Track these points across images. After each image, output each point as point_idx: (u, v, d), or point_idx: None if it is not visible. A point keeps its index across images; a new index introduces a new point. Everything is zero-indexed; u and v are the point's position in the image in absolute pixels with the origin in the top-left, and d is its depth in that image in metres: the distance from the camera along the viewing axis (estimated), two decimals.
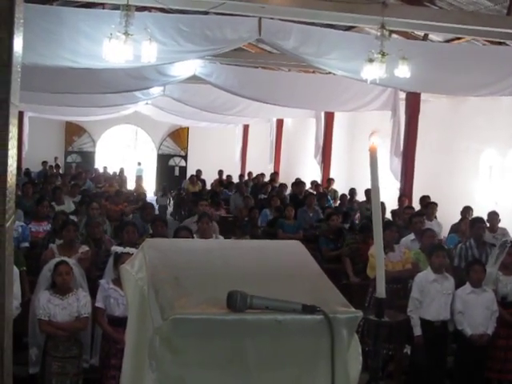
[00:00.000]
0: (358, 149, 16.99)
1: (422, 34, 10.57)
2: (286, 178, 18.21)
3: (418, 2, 9.78)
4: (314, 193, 13.92)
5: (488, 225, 8.23)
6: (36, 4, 7.63)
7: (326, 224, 9.23)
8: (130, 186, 18.50)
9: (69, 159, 24.06)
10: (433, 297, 6.05)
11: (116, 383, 5.00)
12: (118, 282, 5.05)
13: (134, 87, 11.53)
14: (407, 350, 6.40)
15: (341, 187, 15.71)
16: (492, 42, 10.03)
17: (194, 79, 11.49)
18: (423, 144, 12.44)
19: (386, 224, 7.12)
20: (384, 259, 2.28)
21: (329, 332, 1.78)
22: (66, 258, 5.58)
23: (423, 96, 12.09)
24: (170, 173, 25.03)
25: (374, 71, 7.94)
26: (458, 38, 10.52)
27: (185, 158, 25.55)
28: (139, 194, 14.83)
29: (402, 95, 12.27)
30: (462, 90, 9.96)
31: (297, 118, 19.14)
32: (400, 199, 11.30)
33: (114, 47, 7.08)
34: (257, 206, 11.82)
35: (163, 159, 25.51)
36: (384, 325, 2.21)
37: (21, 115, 16.90)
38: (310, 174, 18.21)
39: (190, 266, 2.02)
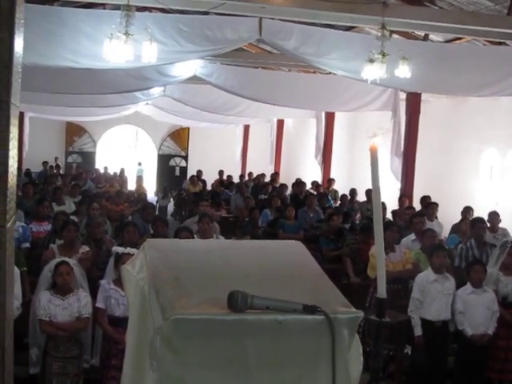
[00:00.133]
0: (358, 149, 16.98)
1: (422, 34, 10.57)
2: (287, 179, 18.20)
3: (418, 2, 9.78)
4: (315, 193, 13.92)
5: (488, 225, 8.23)
6: (36, 4, 7.64)
7: (327, 224, 9.23)
8: (131, 186, 18.49)
9: (69, 159, 24.07)
10: (433, 297, 6.05)
11: (116, 383, 5.01)
12: (118, 282, 5.06)
13: (134, 87, 11.53)
14: (408, 350, 6.40)
15: (341, 187, 15.70)
16: (492, 42, 10.03)
17: (195, 79, 11.49)
18: (424, 144, 12.43)
19: (387, 224, 7.11)
20: (385, 259, 2.28)
21: (329, 332, 1.78)
22: (66, 259, 5.59)
23: (423, 96, 12.09)
24: (170, 173, 25.03)
25: (374, 71, 7.94)
26: (459, 38, 10.51)
27: (185, 158, 25.55)
28: (140, 194, 14.83)
29: (403, 95, 12.27)
30: (462, 90, 9.96)
31: (297, 118, 19.13)
32: (400, 199, 11.29)
33: (114, 47, 7.08)
34: (257, 207, 11.82)
35: (164, 159, 25.51)
36: (385, 325, 2.21)
37: (21, 115, 16.90)
38: (311, 174, 18.21)
39: (191, 267, 2.02)
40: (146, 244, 2.18)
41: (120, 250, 5.53)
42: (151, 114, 19.89)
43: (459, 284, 6.27)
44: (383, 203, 8.05)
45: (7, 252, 2.30)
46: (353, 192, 13.66)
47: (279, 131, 21.29)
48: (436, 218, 9.69)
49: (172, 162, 25.59)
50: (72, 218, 7.85)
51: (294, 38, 8.32)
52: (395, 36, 10.08)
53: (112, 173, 20.31)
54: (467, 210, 9.68)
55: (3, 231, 2.23)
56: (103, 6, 10.34)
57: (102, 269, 6.23)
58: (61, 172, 19.39)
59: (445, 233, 9.79)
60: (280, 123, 21.21)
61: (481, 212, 8.93)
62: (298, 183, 14.30)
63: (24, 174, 16.78)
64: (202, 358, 1.74)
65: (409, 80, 8.29)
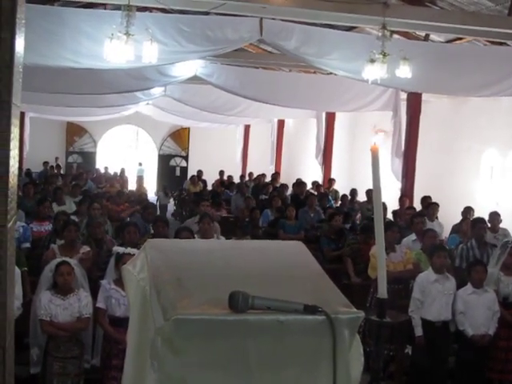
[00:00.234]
0: (359, 149, 16.99)
1: (423, 34, 10.57)
2: (287, 179, 18.21)
3: (419, 3, 9.78)
4: (315, 193, 13.92)
5: (489, 225, 8.23)
6: (37, 4, 7.64)
7: (328, 224, 9.22)
8: (131, 186, 18.49)
9: (70, 159, 24.08)
10: (434, 297, 6.05)
11: (117, 383, 5.01)
12: (119, 282, 5.06)
13: (134, 87, 11.53)
14: (408, 350, 6.40)
15: (342, 187, 15.71)
16: (493, 43, 10.03)
17: (195, 79, 11.50)
18: (424, 144, 12.43)
19: (388, 224, 7.11)
20: (385, 259, 2.28)
21: (330, 332, 1.78)
22: (67, 259, 5.59)
23: (424, 96, 12.09)
24: (170, 173, 25.04)
25: (375, 71, 7.93)
26: (460, 39, 10.51)
27: (186, 158, 25.56)
28: (140, 194, 14.83)
29: (403, 95, 12.27)
30: (463, 90, 9.96)
31: (298, 118, 19.13)
32: (401, 199, 11.29)
33: (115, 47, 7.08)
34: (258, 207, 11.82)
35: (164, 159, 25.51)
36: (385, 325, 2.21)
37: (22, 116, 16.90)
38: (311, 174, 18.21)
39: (192, 267, 2.02)
40: (147, 244, 2.18)
41: (121, 250, 5.53)
42: (152, 114, 19.89)
43: (460, 284, 6.27)
44: (384, 203, 8.03)
45: (8, 252, 2.30)
46: (353, 192, 13.67)
47: (280, 131, 21.29)
48: (436, 218, 9.69)
49: (172, 162, 25.60)
50: (72, 218, 7.85)
51: (294, 38, 8.31)
52: (396, 36, 10.07)
53: (112, 173, 20.32)
54: (468, 211, 9.68)
55: (4, 231, 2.23)
56: (104, 6, 10.33)
57: (103, 269, 6.24)
58: (61, 172, 19.41)
59: (445, 233, 9.79)
60: (280, 123, 21.22)
61: (481, 212, 8.93)
62: (299, 183, 14.30)
63: (25, 174, 16.79)
64: (203, 359, 1.74)
65: (409, 80, 8.29)
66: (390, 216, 10.20)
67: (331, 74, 10.92)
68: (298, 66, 12.93)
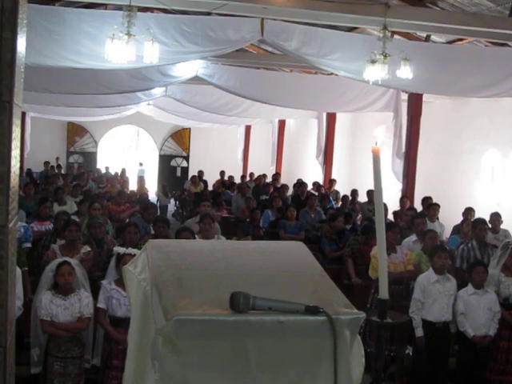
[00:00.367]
0: (359, 150, 17.01)
1: (424, 35, 10.56)
2: (288, 179, 18.22)
3: (420, 3, 9.78)
4: (316, 194, 13.91)
5: (490, 226, 8.23)
6: (39, 4, 7.64)
7: (330, 225, 9.22)
8: (132, 186, 18.49)
9: (71, 159, 24.10)
10: (435, 298, 6.05)
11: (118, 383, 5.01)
12: (119, 282, 5.06)
13: (136, 88, 11.53)
14: (409, 351, 6.40)
15: (343, 188, 15.71)
16: (494, 43, 10.03)
17: (196, 80, 11.49)
18: (425, 145, 12.43)
19: (389, 225, 7.10)
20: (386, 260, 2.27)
21: (331, 333, 1.78)
22: (68, 259, 5.59)
23: (425, 97, 12.08)
24: (171, 173, 25.05)
25: (376, 72, 7.93)
26: (460, 39, 10.52)
27: (186, 158, 25.56)
28: (141, 194, 14.83)
29: (404, 96, 12.26)
30: (464, 91, 9.95)
31: (298, 118, 19.12)
32: (402, 200, 11.29)
33: (116, 48, 7.08)
34: (259, 207, 11.83)
35: (165, 160, 25.52)
36: (386, 326, 2.21)
37: (23, 116, 16.91)
38: (312, 174, 18.22)
39: (193, 267, 2.03)
40: (148, 244, 2.18)
41: (121, 250, 5.54)
42: (153, 114, 19.90)
43: (460, 285, 6.27)
44: (385, 204, 8.04)
45: (9, 252, 2.30)
46: (354, 193, 13.67)
47: (281, 132, 21.30)
48: (437, 218, 9.69)
49: (173, 163, 25.61)
50: (73, 218, 7.86)
51: (295, 39, 8.31)
52: (397, 37, 10.07)
53: (113, 173, 20.33)
54: (469, 211, 9.68)
55: (5, 231, 2.23)
56: (105, 6, 10.34)
57: (103, 269, 6.24)
58: (62, 172, 19.41)
59: (446, 234, 9.79)
60: (281, 124, 21.23)
61: (482, 213, 8.93)
62: (300, 184, 14.30)
63: (25, 174, 16.80)
64: (204, 359, 1.74)
65: (410, 81, 8.28)
66: (390, 217, 10.20)
67: (332, 74, 10.92)
68: (299, 67, 12.92)
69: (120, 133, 25.34)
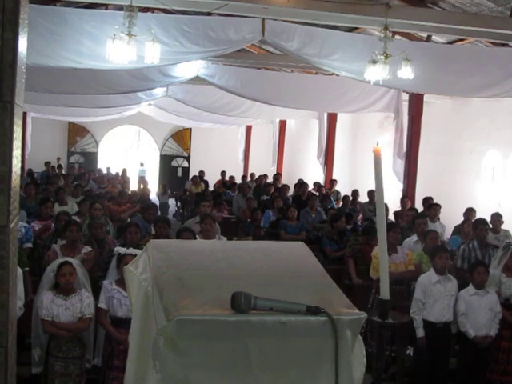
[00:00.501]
0: (360, 150, 17.01)
1: (425, 35, 10.56)
2: (289, 180, 18.23)
3: (421, 4, 9.78)
4: (317, 194, 13.91)
5: (491, 226, 8.23)
6: (40, 5, 7.65)
7: (331, 226, 9.21)
8: (133, 186, 18.49)
9: (71, 160, 24.10)
10: (436, 298, 6.05)
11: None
12: (121, 282, 5.07)
13: (136, 88, 11.54)
14: (410, 351, 6.40)
15: (343, 188, 15.71)
16: (495, 44, 10.02)
17: (197, 80, 11.50)
18: (426, 145, 12.43)
19: (390, 225, 7.10)
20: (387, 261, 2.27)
21: (333, 333, 1.78)
22: (69, 259, 5.59)
23: (426, 97, 12.08)
24: (172, 173, 25.06)
25: (377, 72, 7.93)
26: (461, 40, 10.52)
27: (187, 158, 25.57)
28: (142, 194, 14.84)
29: (405, 96, 12.27)
30: (465, 91, 9.94)
31: (299, 119, 19.13)
32: (403, 200, 11.29)
33: (117, 48, 7.08)
34: (259, 207, 11.83)
35: (166, 160, 25.53)
36: (388, 326, 2.21)
37: (24, 116, 16.90)
38: (313, 175, 18.22)
39: (194, 267, 2.03)
40: (149, 245, 2.18)
41: (122, 250, 5.54)
42: (153, 114, 19.91)
43: (461, 285, 6.27)
44: (386, 204, 8.04)
45: (10, 252, 2.30)
46: (355, 193, 13.67)
47: (281, 132, 21.30)
48: (438, 219, 9.68)
49: (174, 163, 25.62)
50: (74, 218, 7.85)
51: (296, 39, 8.31)
52: (398, 37, 10.08)
53: (114, 173, 20.33)
54: (469, 212, 9.67)
55: (6, 231, 2.23)
56: (106, 6, 10.34)
57: (104, 269, 6.24)
58: (63, 172, 19.42)
59: (447, 234, 9.79)
60: (282, 124, 21.23)
61: (483, 213, 8.92)
62: (301, 184, 14.29)
63: (26, 175, 16.80)
64: (205, 359, 1.74)
65: (411, 81, 8.28)
66: (391, 217, 10.20)
67: (333, 74, 10.92)
68: (300, 67, 12.93)
69: (121, 133, 25.34)
